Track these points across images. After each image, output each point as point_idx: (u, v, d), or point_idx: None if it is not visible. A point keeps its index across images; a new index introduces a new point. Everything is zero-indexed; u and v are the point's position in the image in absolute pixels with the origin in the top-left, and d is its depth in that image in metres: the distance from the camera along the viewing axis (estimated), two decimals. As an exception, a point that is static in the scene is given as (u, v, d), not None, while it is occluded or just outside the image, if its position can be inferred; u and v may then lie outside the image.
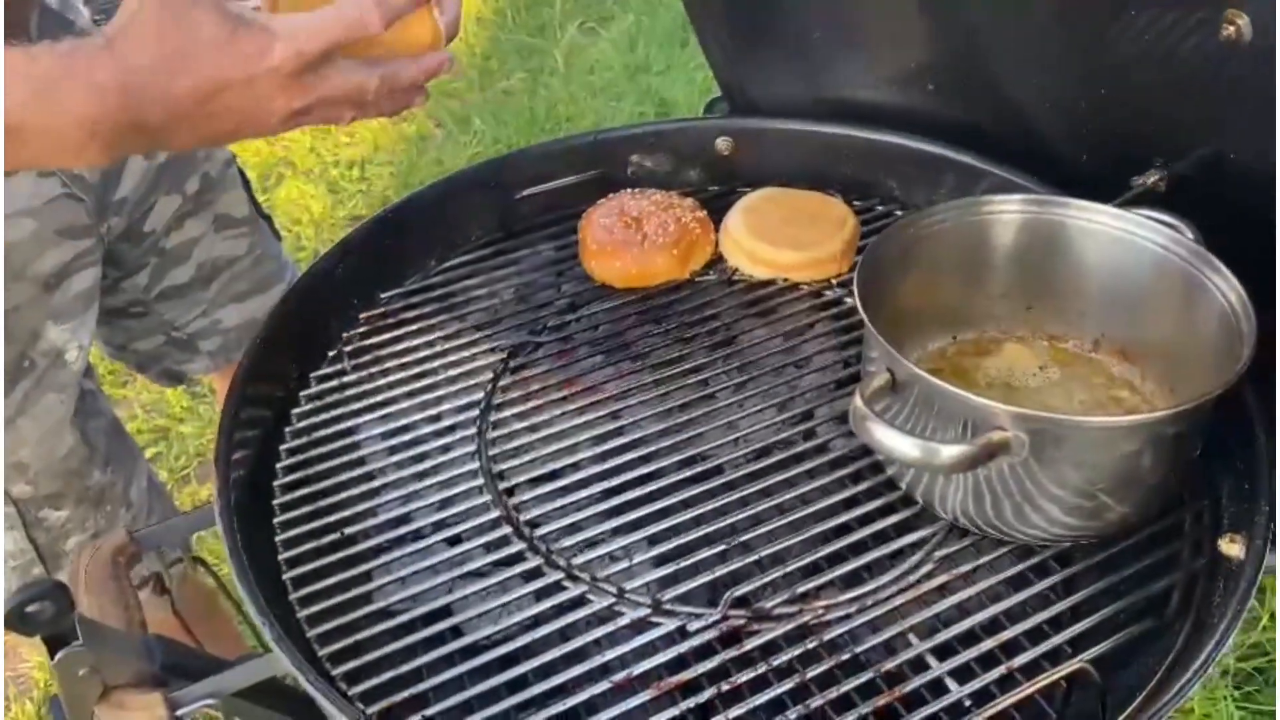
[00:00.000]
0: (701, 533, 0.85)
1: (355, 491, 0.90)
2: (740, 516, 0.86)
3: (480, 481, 0.90)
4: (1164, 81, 0.89)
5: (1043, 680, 0.74)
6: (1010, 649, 0.77)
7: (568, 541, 0.86)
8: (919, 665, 0.76)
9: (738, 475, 0.90)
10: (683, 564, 0.83)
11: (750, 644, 0.77)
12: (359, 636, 0.79)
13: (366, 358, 1.04)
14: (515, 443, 0.94)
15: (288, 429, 0.96)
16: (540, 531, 0.86)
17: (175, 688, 0.74)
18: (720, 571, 0.82)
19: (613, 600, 0.81)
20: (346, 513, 0.89)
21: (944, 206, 0.89)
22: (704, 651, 0.78)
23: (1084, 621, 0.78)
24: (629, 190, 1.16)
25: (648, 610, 0.80)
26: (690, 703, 0.74)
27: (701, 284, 1.11)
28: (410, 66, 0.81)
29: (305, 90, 0.74)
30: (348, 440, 0.96)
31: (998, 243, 0.90)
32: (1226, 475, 0.82)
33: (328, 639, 0.79)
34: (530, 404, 0.98)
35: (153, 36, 0.69)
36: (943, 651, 0.77)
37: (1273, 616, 1.60)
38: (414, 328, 1.07)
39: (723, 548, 0.84)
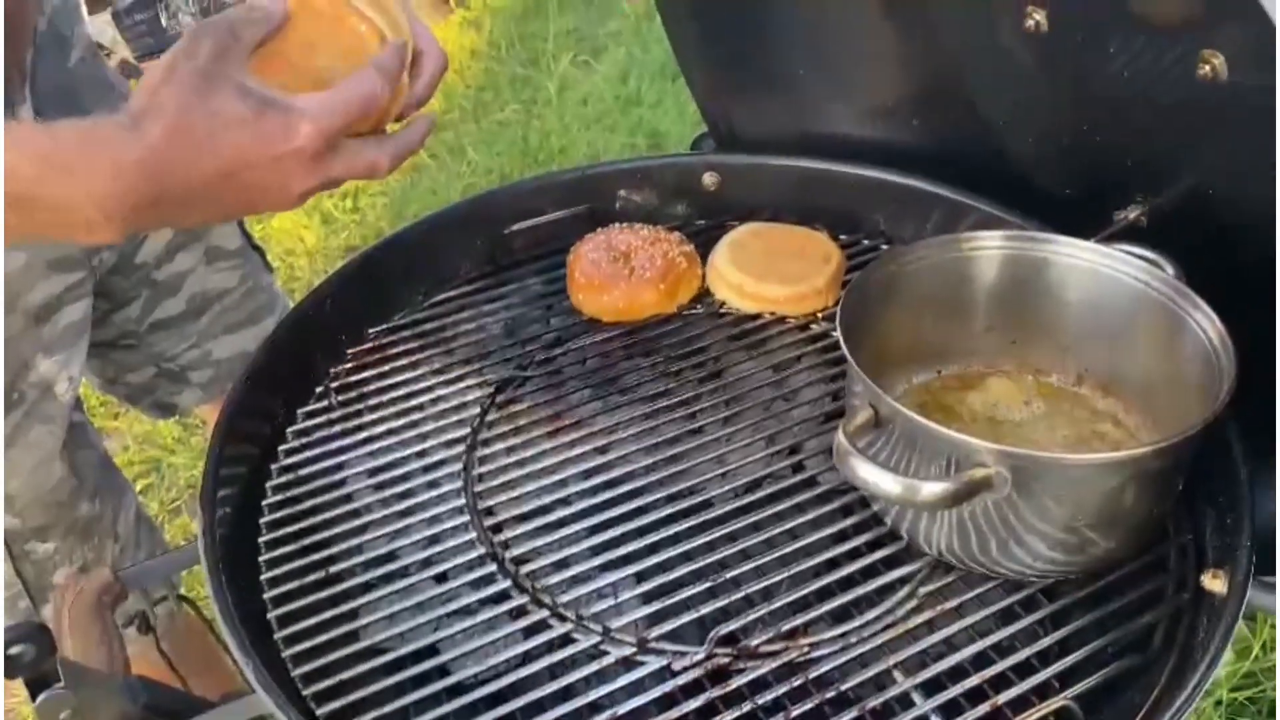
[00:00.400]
0: (689, 569, 0.85)
1: (342, 529, 0.90)
2: (729, 552, 0.86)
3: (466, 518, 0.90)
4: (1143, 118, 0.90)
5: (1030, 716, 0.74)
6: (998, 684, 0.77)
7: (555, 578, 0.85)
8: (906, 701, 0.76)
9: (726, 510, 0.90)
10: (670, 601, 0.82)
11: (737, 681, 0.77)
12: (345, 675, 0.79)
13: (353, 394, 1.04)
14: (502, 478, 0.94)
15: (274, 466, 0.96)
16: (527, 568, 0.86)
17: (158, 729, 0.73)
18: (708, 608, 0.82)
19: (599, 639, 0.81)
20: (333, 550, 0.88)
21: (927, 242, 0.90)
22: (692, 689, 0.77)
23: (1071, 656, 0.77)
24: (617, 225, 1.17)
25: (634, 648, 0.80)
26: (678, 741, 0.73)
27: (689, 317, 1.12)
28: (414, 139, 0.82)
29: (325, 168, 0.75)
30: (334, 477, 0.95)
31: (981, 278, 0.91)
32: (1209, 510, 0.82)
33: (313, 678, 0.79)
34: (517, 439, 0.98)
35: (177, 115, 0.69)
36: (930, 687, 0.77)
37: (1264, 646, 1.60)
38: (401, 363, 1.07)
39: (710, 584, 0.84)
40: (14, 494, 1.14)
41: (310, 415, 1.02)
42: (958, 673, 0.77)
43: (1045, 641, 0.79)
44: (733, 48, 1.20)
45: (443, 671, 0.80)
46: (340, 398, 1.03)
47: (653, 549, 0.86)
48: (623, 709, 0.75)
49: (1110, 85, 0.89)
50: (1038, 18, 0.91)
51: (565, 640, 0.81)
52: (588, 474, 0.94)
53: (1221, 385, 0.74)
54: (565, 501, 0.91)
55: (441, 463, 0.96)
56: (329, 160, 0.74)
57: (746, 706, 0.75)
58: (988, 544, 0.77)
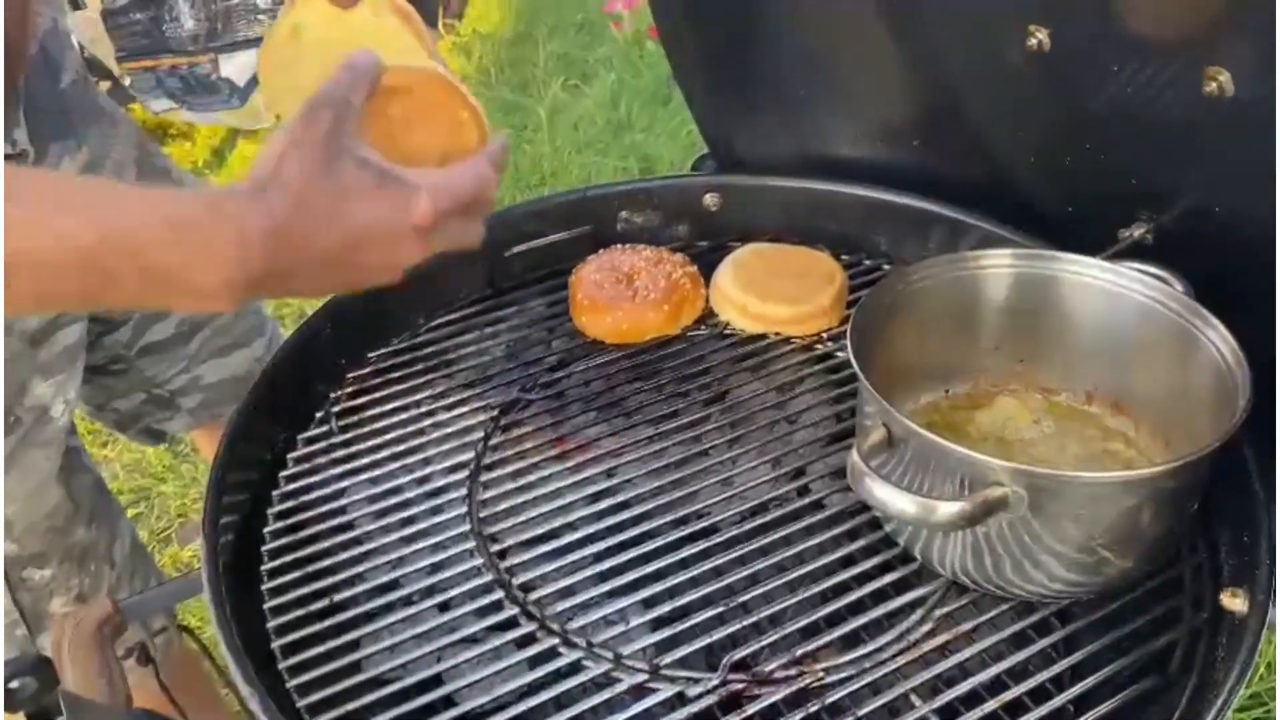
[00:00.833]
0: (698, 594, 0.83)
1: (344, 556, 0.89)
2: (737, 576, 0.85)
3: (471, 544, 0.89)
4: (1147, 135, 0.90)
5: (1047, 741, 0.73)
6: (1014, 709, 0.76)
7: (562, 605, 0.84)
8: (921, 728, 0.75)
9: (734, 534, 0.89)
10: (680, 627, 0.81)
11: (751, 708, 0.76)
12: (349, 707, 0.77)
13: (354, 419, 1.03)
14: (507, 503, 0.93)
15: (275, 493, 0.95)
16: (534, 595, 0.85)
17: (159, 763, 0.72)
18: (718, 634, 0.81)
19: (610, 666, 0.79)
20: (335, 578, 0.87)
21: (934, 261, 0.90)
22: (704, 717, 0.76)
23: (1087, 680, 0.76)
24: (619, 246, 1.16)
25: (645, 675, 0.78)
26: (692, 770, 0.72)
27: (693, 339, 1.11)
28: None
29: (433, 245, 0.75)
30: (336, 504, 0.94)
31: (988, 297, 0.91)
32: (1225, 528, 0.82)
33: (317, 710, 0.77)
34: (522, 463, 0.97)
35: (302, 187, 0.68)
36: (946, 713, 0.76)
37: (1270, 666, 1.59)
38: (402, 387, 1.06)
39: (720, 609, 0.82)
40: (11, 519, 1.13)
41: (311, 441, 1.00)
42: (972, 698, 0.76)
43: (1060, 665, 0.78)
44: (734, 69, 1.20)
45: (449, 701, 0.79)
46: (341, 423, 1.02)
47: (660, 574, 0.85)
48: (635, 738, 0.74)
49: (1113, 103, 0.89)
50: (1040, 37, 0.91)
51: (575, 668, 0.80)
52: (594, 498, 0.93)
53: (1237, 402, 0.73)
54: (571, 526, 0.90)
55: (445, 488, 0.95)
56: (437, 237, 0.75)
57: (761, 734, 0.74)
58: (1003, 565, 0.76)
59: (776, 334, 1.09)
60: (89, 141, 1.18)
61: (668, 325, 1.10)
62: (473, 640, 0.82)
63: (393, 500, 0.94)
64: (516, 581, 0.86)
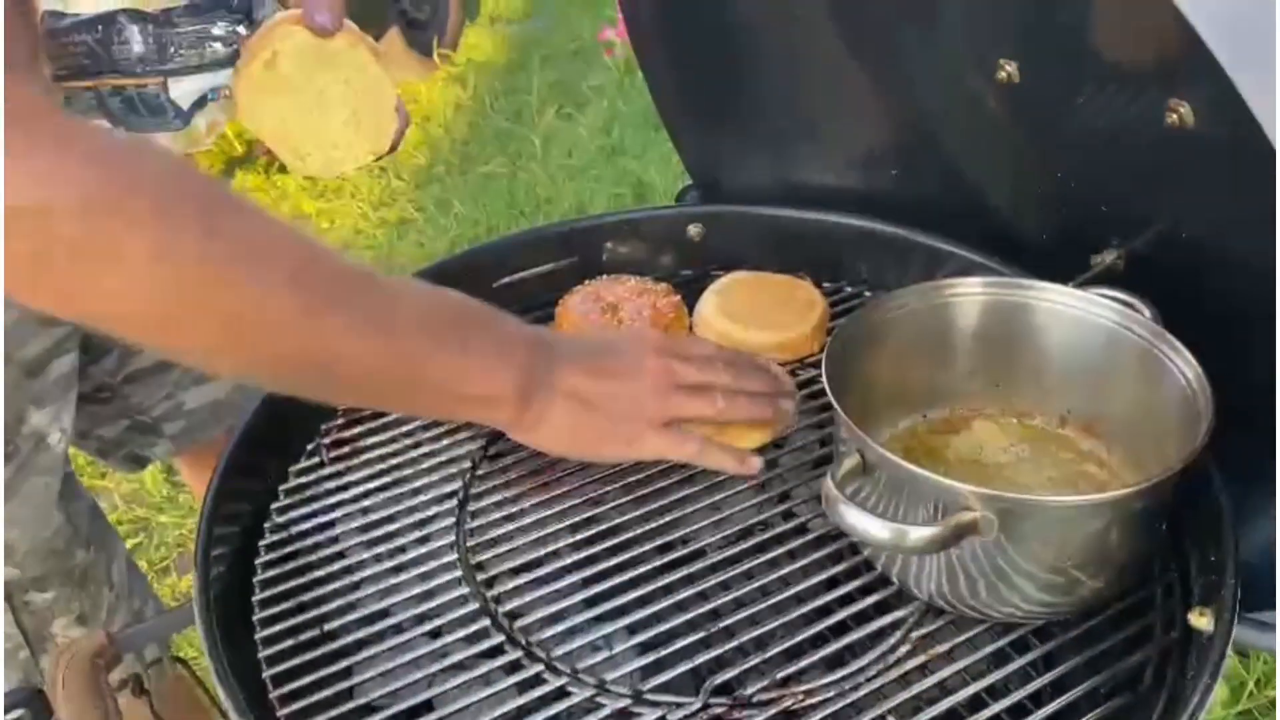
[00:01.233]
0: (683, 619, 0.85)
1: (335, 586, 0.90)
2: (722, 600, 0.86)
3: (459, 573, 0.91)
4: (1115, 165, 0.92)
5: (1025, 759, 0.74)
6: (993, 728, 0.77)
7: (549, 632, 0.86)
8: (902, 748, 0.76)
9: (719, 558, 0.90)
10: (665, 652, 0.83)
11: (733, 732, 0.77)
12: (341, 734, 0.78)
13: (345, 449, 1.04)
14: (494, 532, 0.95)
15: (266, 524, 0.96)
16: (521, 622, 0.86)
17: (153, 794, 0.73)
18: (703, 658, 0.82)
19: (594, 692, 0.81)
20: (327, 608, 0.88)
21: (908, 290, 0.92)
22: (686, 741, 0.77)
23: (1064, 696, 0.78)
24: (604, 277, 1.18)
25: (628, 701, 0.80)
26: (674, 794, 0.73)
27: (677, 367, 1.13)
28: None
29: (673, 407, 0.90)
30: (327, 534, 0.96)
31: (963, 324, 0.93)
32: (1194, 548, 0.83)
33: (308, 738, 0.78)
34: (509, 492, 0.99)
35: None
36: (926, 733, 0.77)
37: (1259, 683, 1.60)
38: (392, 418, 1.08)
39: (704, 634, 0.84)
40: (13, 544, 1.15)
41: (302, 473, 1.02)
42: (952, 716, 0.77)
43: (1038, 683, 0.79)
44: (714, 101, 1.23)
45: (437, 727, 0.80)
46: (332, 454, 1.04)
47: (646, 600, 0.86)
48: (619, 762, 0.75)
49: (1082, 133, 0.92)
50: (1009, 69, 0.93)
51: (560, 694, 0.81)
52: (580, 525, 0.94)
53: (1200, 425, 0.75)
54: (557, 554, 0.92)
55: (433, 518, 0.96)
56: (674, 397, 0.90)
57: (743, 756, 0.75)
58: (977, 587, 0.78)
59: (759, 361, 1.11)
60: None
61: (652, 354, 1.11)
62: (461, 667, 0.84)
63: (383, 530, 0.95)
64: (503, 609, 0.88)
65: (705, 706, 0.79)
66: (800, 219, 1.21)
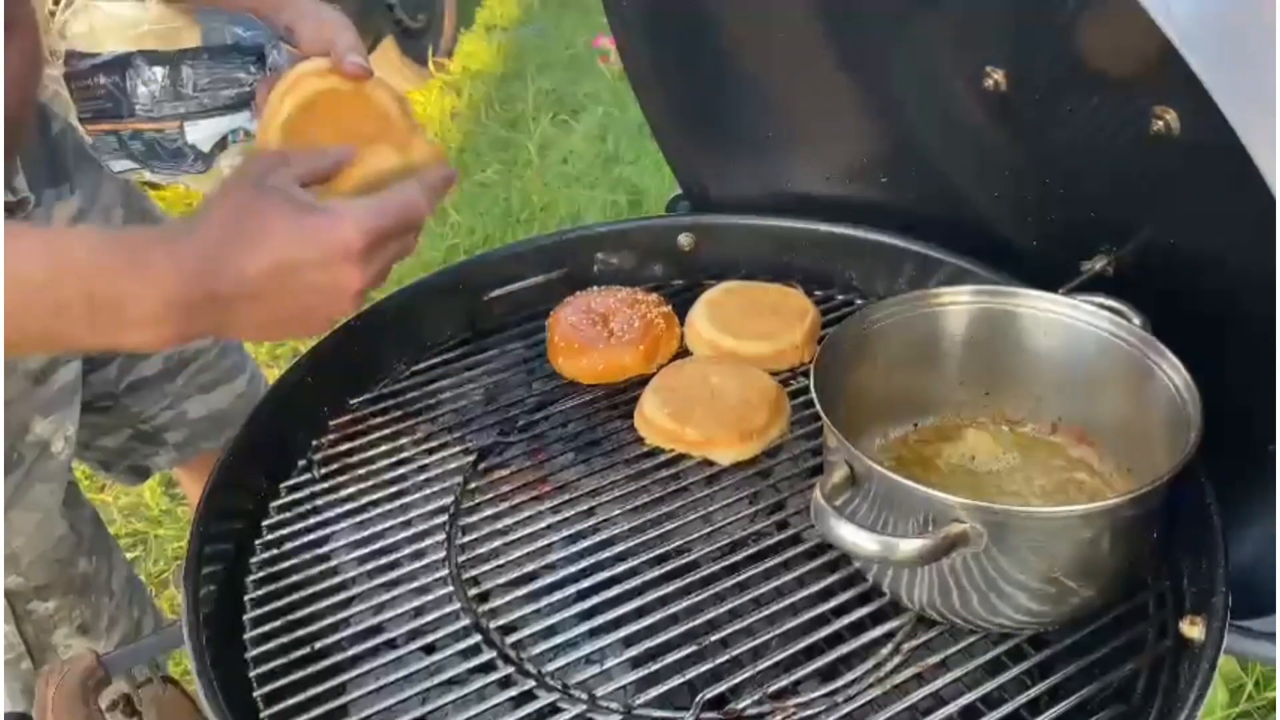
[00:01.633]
0: (677, 631, 0.85)
1: (327, 602, 0.90)
2: (716, 612, 0.86)
3: (451, 589, 0.90)
4: (1103, 172, 0.92)
5: (1020, 770, 0.74)
6: (987, 737, 0.77)
7: (542, 646, 0.85)
8: (896, 760, 0.76)
9: (712, 570, 0.90)
10: (658, 665, 0.82)
11: (725, 746, 0.77)
12: (331, 753, 0.78)
13: (336, 465, 1.04)
14: (486, 546, 0.94)
15: (258, 541, 0.96)
16: (513, 638, 0.86)
17: (143, 816, 0.73)
18: (696, 670, 0.82)
19: (584, 707, 0.80)
20: (319, 625, 0.88)
21: (897, 299, 0.92)
22: (679, 755, 0.77)
23: (1059, 705, 0.78)
24: (595, 288, 1.18)
25: (620, 716, 0.80)
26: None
27: (669, 378, 1.12)
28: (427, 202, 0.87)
29: (369, 269, 0.79)
30: (319, 550, 0.95)
31: (953, 332, 0.92)
32: (1185, 556, 0.83)
33: (299, 757, 0.78)
34: (501, 506, 0.99)
35: (228, 220, 0.75)
36: (921, 743, 0.77)
37: (1257, 684, 1.60)
38: (384, 433, 1.08)
39: (698, 646, 0.84)
40: (19, 552, 1.16)
41: (293, 489, 1.02)
42: (947, 726, 0.77)
43: (1033, 691, 0.79)
44: (703, 112, 1.23)
45: (431, 744, 0.80)
46: (323, 470, 1.03)
47: (640, 612, 0.86)
48: (610, 778, 0.75)
49: (1069, 141, 0.92)
50: (996, 77, 0.93)
51: (552, 710, 0.81)
52: (572, 539, 0.94)
53: (1189, 433, 0.75)
54: (550, 567, 0.92)
55: (425, 533, 0.96)
56: (369, 261, 0.79)
57: (735, 771, 0.75)
58: (969, 598, 0.78)
59: (751, 371, 1.11)
60: (81, 187, 1.22)
61: (643, 365, 1.11)
62: (455, 683, 0.83)
63: (374, 546, 0.95)
64: (495, 624, 0.87)
65: (697, 721, 0.78)
66: (790, 228, 1.21)
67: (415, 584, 0.91)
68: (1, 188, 1.03)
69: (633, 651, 0.84)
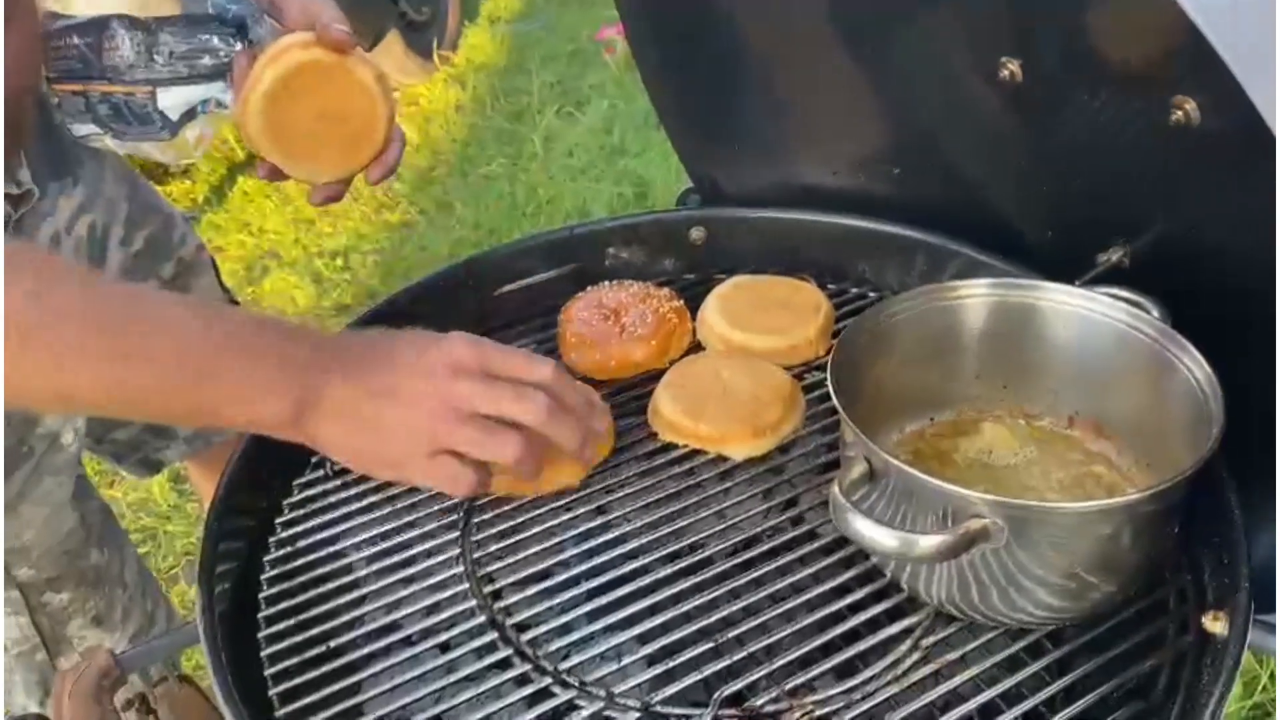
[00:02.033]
0: (692, 628, 0.84)
1: (341, 600, 0.90)
2: (731, 609, 0.86)
3: (465, 586, 0.90)
4: (1119, 163, 0.91)
5: (1039, 766, 0.74)
6: (1006, 733, 0.76)
7: (557, 644, 0.85)
8: (914, 756, 0.76)
9: (727, 566, 0.90)
10: (674, 662, 0.82)
11: (742, 743, 0.77)
12: (348, 752, 0.78)
13: (349, 462, 1.04)
14: (501, 543, 0.94)
15: (271, 539, 0.96)
16: (529, 635, 0.86)
17: (161, 815, 0.73)
18: (712, 668, 0.81)
19: (602, 704, 0.80)
20: (333, 622, 0.88)
21: (913, 292, 0.91)
22: (697, 753, 0.77)
23: (1079, 702, 0.77)
24: (607, 283, 1.18)
25: (638, 714, 0.79)
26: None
27: (681, 373, 1.12)
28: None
29: (465, 399, 0.83)
30: (332, 548, 0.95)
31: (969, 325, 0.92)
32: (1207, 551, 0.82)
33: (316, 756, 0.78)
34: (514, 502, 0.98)
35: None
36: (940, 741, 0.76)
37: (1272, 676, 1.59)
38: (397, 430, 1.07)
39: (714, 643, 0.83)
40: (30, 545, 1.16)
41: (306, 486, 1.01)
42: (965, 723, 0.77)
43: (1052, 688, 0.78)
44: (713, 104, 1.22)
45: (448, 743, 0.80)
46: (336, 468, 1.03)
47: (655, 609, 0.86)
48: (629, 775, 0.75)
49: (1085, 132, 0.91)
50: (1012, 68, 0.92)
51: (570, 707, 0.80)
52: (586, 535, 0.94)
53: (1211, 428, 0.74)
54: (565, 564, 0.91)
55: (439, 530, 0.96)
56: (468, 414, 0.84)
57: (754, 768, 0.74)
58: (988, 594, 0.77)
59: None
60: (83, 179, 1.21)
61: (656, 360, 1.11)
62: (470, 680, 0.83)
63: (388, 544, 0.95)
64: (511, 621, 0.87)
65: (715, 718, 0.78)
66: (803, 221, 1.21)
67: (430, 581, 0.91)
68: (1, 180, 1.03)
69: (648, 648, 0.84)
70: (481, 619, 0.87)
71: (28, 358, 0.69)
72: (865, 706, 0.79)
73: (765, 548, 0.91)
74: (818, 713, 0.79)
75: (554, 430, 0.85)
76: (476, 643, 0.85)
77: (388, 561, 0.93)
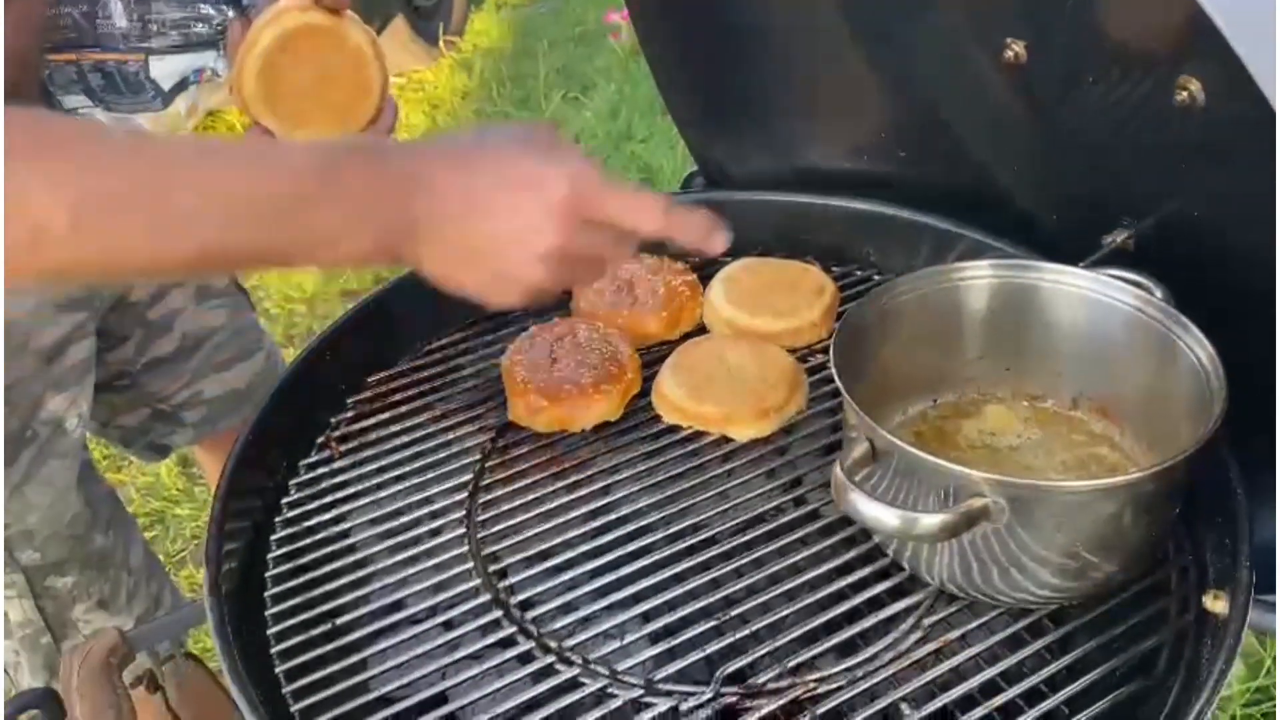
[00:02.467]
0: (695, 607, 0.85)
1: (348, 579, 0.91)
2: (734, 588, 0.86)
3: (471, 564, 0.91)
4: (1124, 145, 0.91)
5: (1040, 744, 0.74)
6: (1007, 711, 0.77)
7: (562, 622, 0.86)
8: (916, 733, 0.76)
9: (730, 546, 0.90)
10: (677, 640, 0.83)
11: (746, 720, 0.77)
12: (354, 727, 0.79)
13: (355, 443, 1.04)
14: (505, 523, 0.95)
15: (278, 519, 0.97)
16: (533, 613, 0.86)
17: (169, 789, 0.73)
18: (715, 646, 0.82)
19: (606, 682, 0.81)
20: (339, 601, 0.89)
21: (917, 274, 0.91)
22: (699, 730, 0.77)
23: (1079, 681, 0.78)
24: (614, 263, 1.18)
25: (640, 691, 0.80)
26: (687, 782, 0.74)
27: (687, 351, 1.12)
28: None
29: (569, 236, 0.74)
30: (339, 527, 0.96)
31: (972, 307, 0.92)
32: (1208, 531, 0.82)
33: (322, 730, 0.79)
34: (519, 483, 0.99)
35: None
36: (940, 718, 0.77)
37: (1275, 661, 1.59)
38: (402, 410, 1.08)
39: (716, 621, 0.84)
40: (34, 529, 1.17)
41: (312, 467, 1.02)
42: (967, 701, 0.77)
43: (1053, 667, 0.79)
44: (718, 88, 1.22)
45: (453, 718, 0.80)
46: (342, 448, 1.04)
47: (658, 588, 0.87)
48: (632, 751, 0.76)
49: (1090, 113, 0.91)
50: (1016, 49, 0.92)
51: (573, 684, 0.81)
52: (590, 515, 0.94)
53: (1214, 408, 0.74)
54: (569, 544, 0.92)
55: (444, 509, 0.97)
56: (575, 229, 0.74)
57: (756, 745, 0.75)
58: (989, 573, 0.78)
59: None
60: None
61: (666, 332, 1.11)
62: (475, 658, 0.84)
63: (394, 523, 0.96)
64: (515, 600, 0.88)
65: (717, 696, 0.79)
66: (807, 204, 1.21)
67: (435, 560, 0.91)
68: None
69: (651, 627, 0.84)
70: (486, 597, 0.88)
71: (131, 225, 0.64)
72: (867, 684, 0.79)
73: (768, 528, 0.92)
74: (819, 690, 0.79)
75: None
76: (480, 621, 0.86)
77: (393, 541, 0.94)
